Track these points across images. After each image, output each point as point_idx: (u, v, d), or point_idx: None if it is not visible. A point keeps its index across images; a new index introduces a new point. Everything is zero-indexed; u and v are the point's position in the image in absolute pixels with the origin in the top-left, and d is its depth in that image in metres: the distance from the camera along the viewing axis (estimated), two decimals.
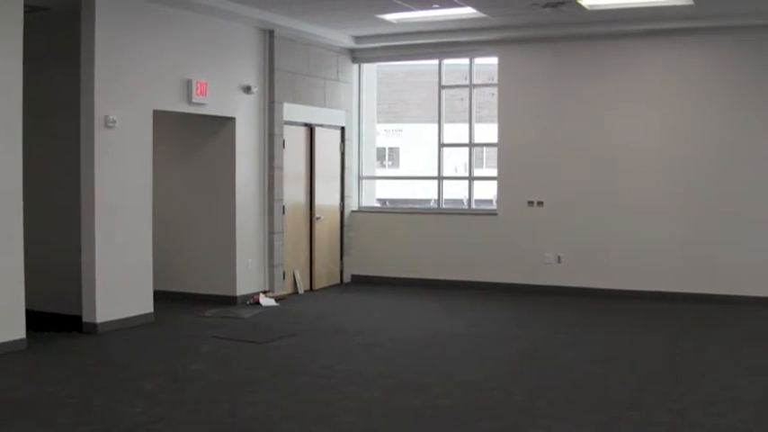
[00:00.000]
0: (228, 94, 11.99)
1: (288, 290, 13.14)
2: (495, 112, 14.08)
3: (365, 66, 14.95)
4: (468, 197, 14.73)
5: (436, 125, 14.62)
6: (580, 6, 11.47)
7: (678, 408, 7.15)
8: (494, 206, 14.57)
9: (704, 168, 12.55)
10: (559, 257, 13.38)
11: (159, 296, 11.19)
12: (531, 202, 13.54)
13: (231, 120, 12.10)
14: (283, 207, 12.98)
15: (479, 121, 14.74)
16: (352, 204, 14.79)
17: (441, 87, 14.52)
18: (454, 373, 8.36)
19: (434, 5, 11.67)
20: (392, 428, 6.72)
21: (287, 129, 13.02)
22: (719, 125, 12.48)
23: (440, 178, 14.71)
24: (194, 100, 11.29)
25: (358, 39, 14.04)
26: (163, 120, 11.16)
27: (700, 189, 12.58)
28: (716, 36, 12.38)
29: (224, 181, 12.20)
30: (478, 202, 15.21)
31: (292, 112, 13.09)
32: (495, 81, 14.03)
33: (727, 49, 12.44)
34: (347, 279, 14.68)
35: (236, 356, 9.12)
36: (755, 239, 12.30)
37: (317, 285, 13.87)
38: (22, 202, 9.04)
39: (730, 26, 12.09)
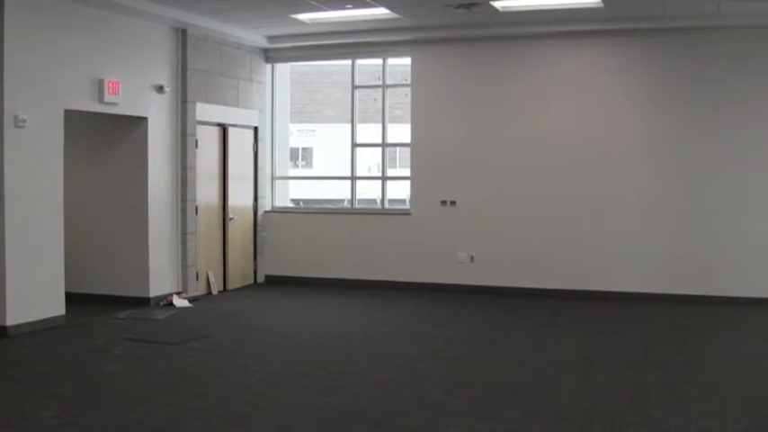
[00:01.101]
0: (141, 93, 11.87)
1: (201, 290, 13.07)
2: (408, 112, 14.18)
3: (278, 66, 14.91)
4: (381, 197, 14.79)
5: (349, 125, 14.67)
6: (493, 8, 11.61)
7: (590, 404, 7.31)
8: (407, 206, 14.67)
9: (617, 167, 12.82)
10: (472, 257, 13.52)
11: (71, 298, 11.03)
12: (444, 202, 13.67)
13: (143, 120, 11.97)
14: (196, 207, 12.89)
15: (392, 121, 14.82)
16: (265, 205, 14.75)
17: (354, 87, 14.57)
18: (369, 372, 8.41)
19: (348, 6, 11.70)
20: (308, 428, 6.73)
21: (200, 129, 12.94)
22: (634, 125, 12.76)
23: (353, 178, 14.75)
24: (106, 99, 11.15)
25: (271, 38, 14.01)
26: (74, 119, 11.00)
27: (612, 187, 12.84)
28: (627, 38, 12.67)
29: (136, 181, 12.06)
30: (392, 201, 15.27)
31: (205, 111, 13.01)
32: (409, 81, 14.13)
33: (639, 50, 12.73)
34: (261, 279, 14.64)
35: (149, 358, 9.03)
36: (668, 236, 12.62)
37: (230, 286, 13.81)
38: None
39: (640, 28, 12.39)
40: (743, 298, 12.14)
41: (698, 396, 7.51)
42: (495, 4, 11.46)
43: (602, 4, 11.38)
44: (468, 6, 11.42)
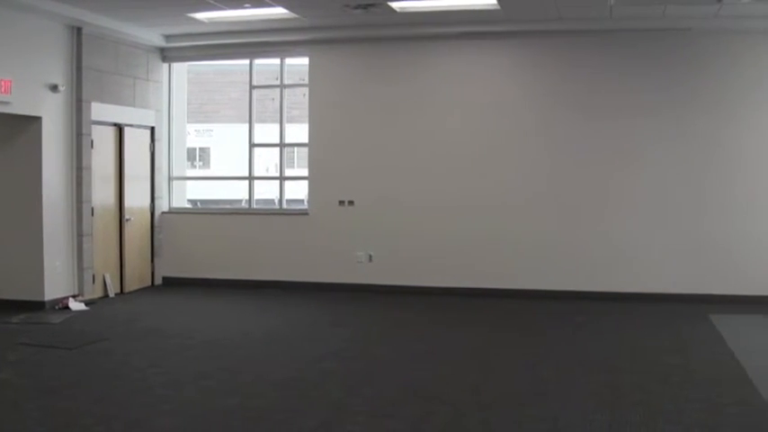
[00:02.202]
0: (34, 92, 11.62)
1: (98, 293, 12.88)
2: (306, 112, 14.19)
3: (175, 65, 14.75)
4: (279, 197, 14.77)
5: (247, 125, 14.61)
6: (390, 9, 11.70)
7: (487, 401, 7.44)
8: (305, 206, 14.67)
9: (513, 167, 13.05)
10: (371, 256, 13.60)
11: None
12: (342, 202, 13.72)
13: (37, 119, 11.73)
14: (92, 208, 12.68)
15: (290, 121, 14.82)
16: (162, 205, 14.59)
17: (252, 87, 14.52)
18: (268, 373, 8.43)
19: (246, 5, 11.66)
20: (208, 430, 6.72)
21: (95, 128, 12.73)
22: (532, 125, 12.98)
23: (251, 178, 14.70)
24: None
25: (168, 38, 13.87)
26: None
27: (508, 186, 13.07)
28: (524, 39, 12.93)
29: (30, 182, 11.80)
30: (290, 201, 15.27)
31: (101, 111, 12.81)
32: (306, 81, 14.14)
33: (536, 51, 13.00)
34: (158, 281, 14.47)
35: (46, 363, 8.88)
36: (564, 235, 12.89)
37: (127, 288, 13.62)
38: None
39: (536, 30, 12.63)
40: (646, 294, 12.46)
41: (593, 390, 7.70)
42: (393, 5, 11.55)
43: (498, 6, 11.56)
44: (365, 7, 11.49)
